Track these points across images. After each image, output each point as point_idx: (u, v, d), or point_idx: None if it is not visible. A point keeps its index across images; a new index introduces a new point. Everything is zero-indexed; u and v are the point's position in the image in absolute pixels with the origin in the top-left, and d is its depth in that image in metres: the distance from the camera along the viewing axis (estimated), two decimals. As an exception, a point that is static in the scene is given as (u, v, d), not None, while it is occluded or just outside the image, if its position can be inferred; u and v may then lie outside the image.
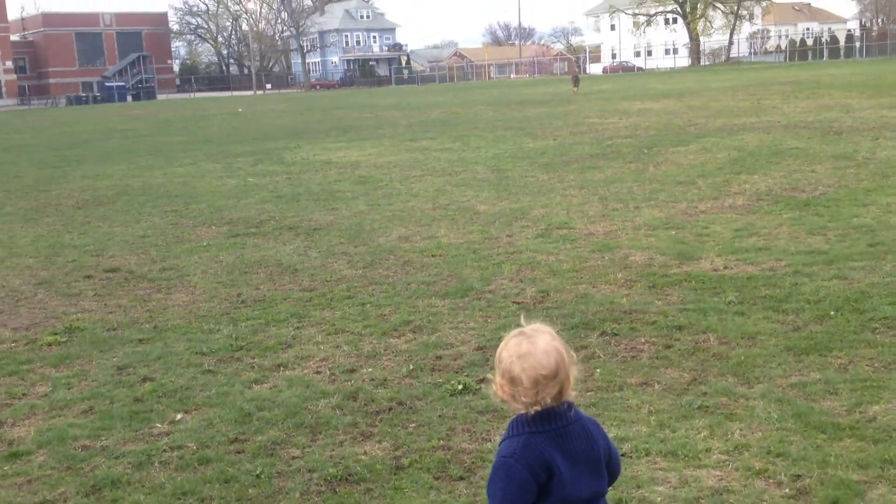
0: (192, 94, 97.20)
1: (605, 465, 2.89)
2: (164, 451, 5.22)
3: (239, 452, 5.15)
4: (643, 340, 6.67)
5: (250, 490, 4.67)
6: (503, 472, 2.75)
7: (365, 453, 5.05)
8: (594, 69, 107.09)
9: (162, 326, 7.82)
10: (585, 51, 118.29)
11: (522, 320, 2.86)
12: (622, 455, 4.64)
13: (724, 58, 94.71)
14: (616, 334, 6.83)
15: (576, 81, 49.79)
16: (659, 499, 4.32)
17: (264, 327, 7.63)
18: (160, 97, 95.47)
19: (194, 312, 8.24)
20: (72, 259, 10.97)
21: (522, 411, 2.79)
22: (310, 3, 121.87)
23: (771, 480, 4.44)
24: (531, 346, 2.77)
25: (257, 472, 4.86)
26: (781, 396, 5.44)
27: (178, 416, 5.74)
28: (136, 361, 6.89)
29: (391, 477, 4.73)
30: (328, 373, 6.42)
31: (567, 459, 2.79)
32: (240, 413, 5.70)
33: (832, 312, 6.96)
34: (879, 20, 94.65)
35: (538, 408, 2.77)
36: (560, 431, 2.80)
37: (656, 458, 4.76)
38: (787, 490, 4.33)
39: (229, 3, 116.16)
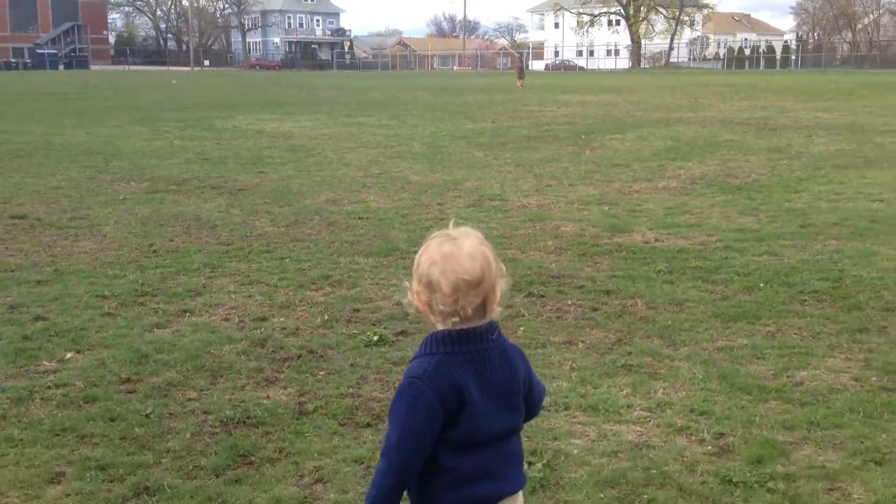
0: (126, 67, 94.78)
1: (525, 399, 2.54)
2: (48, 387, 4.81)
3: (130, 392, 4.76)
4: (570, 303, 6.43)
5: (137, 429, 4.29)
6: (409, 395, 2.40)
7: (267, 398, 4.70)
8: (537, 66, 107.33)
9: (63, 270, 7.34)
10: (529, 47, 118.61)
11: (451, 224, 2.45)
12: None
13: (663, 62, 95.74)
14: (542, 296, 6.58)
15: (520, 74, 45.78)
16: (576, 451, 4.06)
17: (174, 275, 7.20)
18: (93, 68, 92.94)
19: (100, 259, 7.77)
20: (-24, 205, 10.35)
21: (440, 326, 2.45)
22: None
23: (693, 437, 4.22)
24: (454, 248, 2.41)
25: (147, 412, 4.47)
26: (707, 359, 5.24)
27: (69, 356, 5.32)
28: (30, 301, 6.42)
29: (293, 421, 4.39)
30: (237, 320, 6.04)
31: (482, 388, 2.45)
32: (136, 354, 5.30)
33: (761, 284, 6.81)
34: (816, 34, 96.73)
35: (456, 319, 2.41)
36: (478, 355, 2.46)
37: (575, 413, 4.50)
38: (709, 447, 4.11)
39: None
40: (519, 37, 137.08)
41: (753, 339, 5.58)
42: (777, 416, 4.43)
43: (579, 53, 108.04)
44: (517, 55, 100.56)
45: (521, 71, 46.70)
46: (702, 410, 4.49)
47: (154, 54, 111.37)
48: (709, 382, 4.87)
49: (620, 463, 3.94)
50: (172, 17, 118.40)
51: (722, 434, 4.23)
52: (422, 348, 2.48)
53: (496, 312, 2.45)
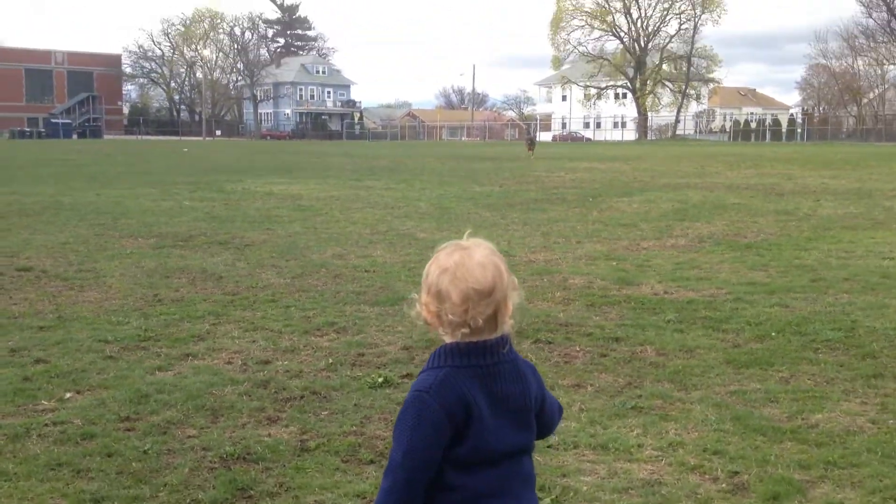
0: (139, 136, 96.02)
1: (537, 417, 2.42)
2: (45, 425, 4.71)
3: (129, 430, 4.66)
4: (578, 349, 6.32)
5: (134, 464, 4.18)
6: (414, 409, 2.28)
7: (269, 435, 4.59)
8: (544, 137, 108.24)
9: (67, 317, 7.28)
10: (536, 119, 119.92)
11: (465, 236, 2.37)
12: (548, 447, 4.28)
13: (670, 134, 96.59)
14: (550, 342, 6.48)
15: (531, 144, 43.38)
16: (585, 488, 3.93)
17: (177, 322, 7.13)
18: (107, 137, 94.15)
19: (104, 307, 7.71)
20: (-17, 258, 10.34)
21: (448, 338, 2.34)
22: (266, 55, 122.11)
23: (706, 476, 4.09)
24: (465, 258, 2.32)
25: (145, 448, 4.37)
26: (720, 402, 5.12)
27: (68, 395, 5.23)
28: (31, 345, 6.34)
29: (294, 458, 4.28)
30: (240, 363, 5.95)
31: (491, 404, 2.33)
32: (136, 394, 5.20)
33: (773, 333, 6.70)
34: (821, 108, 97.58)
35: (466, 330, 2.30)
36: (488, 369, 2.34)
37: (584, 451, 4.38)
38: (723, 485, 3.98)
39: (185, 50, 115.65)
40: (527, 109, 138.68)
41: (766, 384, 5.45)
42: (792, 455, 4.29)
43: (586, 125, 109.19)
44: (524, 126, 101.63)
45: (532, 141, 45.04)
46: (715, 450, 4.36)
47: (167, 124, 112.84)
48: (722, 424, 4.74)
49: (632, 499, 3.81)
50: (186, 88, 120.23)
51: (736, 472, 4.10)
52: (429, 361, 2.37)
53: (508, 325, 2.34)
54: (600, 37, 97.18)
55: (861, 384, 5.46)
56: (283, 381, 5.52)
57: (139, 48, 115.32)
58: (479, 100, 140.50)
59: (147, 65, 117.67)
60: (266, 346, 6.38)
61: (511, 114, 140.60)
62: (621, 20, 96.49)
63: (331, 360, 5.98)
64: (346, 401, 5.15)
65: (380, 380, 5.48)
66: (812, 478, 4.05)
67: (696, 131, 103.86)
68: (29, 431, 4.60)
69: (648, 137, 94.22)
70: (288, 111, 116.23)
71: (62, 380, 5.52)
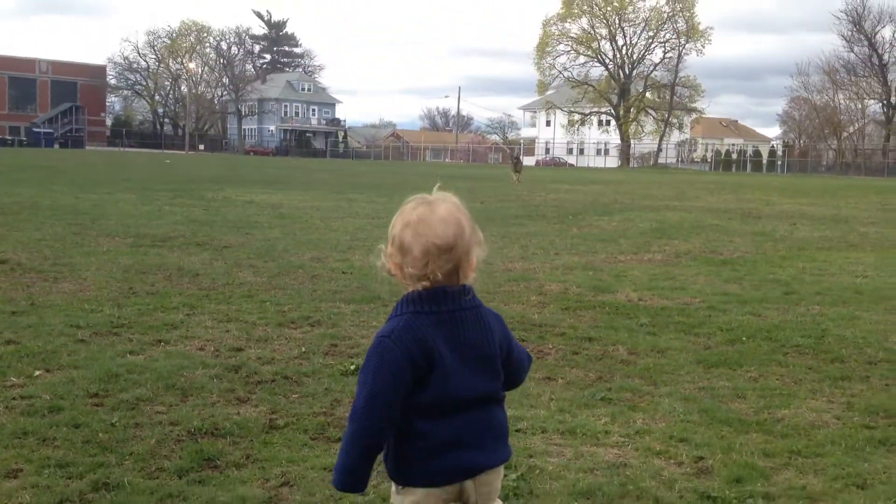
0: (121, 148, 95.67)
1: (504, 365, 2.45)
2: (14, 399, 4.69)
3: (97, 406, 4.64)
4: (551, 346, 6.36)
5: (101, 435, 4.16)
6: (377, 355, 2.32)
7: (238, 414, 4.59)
8: (527, 162, 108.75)
9: (40, 304, 7.25)
10: (520, 143, 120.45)
11: (434, 189, 2.43)
12: (517, 431, 4.30)
13: (652, 162, 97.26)
14: (523, 340, 6.49)
15: (517, 167, 37.54)
16: (551, 467, 3.96)
17: (151, 311, 7.11)
18: (88, 148, 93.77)
19: (78, 297, 7.68)
20: (-42, 250, 10.27)
21: (410, 288, 2.39)
22: (252, 70, 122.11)
23: (671, 460, 4.12)
24: (428, 212, 2.38)
25: (113, 422, 4.36)
26: (688, 396, 5.16)
27: (37, 373, 5.20)
28: (3, 328, 6.32)
29: (262, 434, 4.28)
30: (212, 350, 5.95)
31: (454, 349, 2.35)
32: (106, 374, 5.19)
33: (744, 338, 6.76)
34: (802, 141, 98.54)
35: (426, 283, 2.35)
36: (450, 316, 2.36)
37: (552, 436, 4.40)
38: (687, 469, 4.01)
39: (170, 63, 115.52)
40: (511, 133, 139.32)
41: (735, 382, 5.51)
42: (757, 445, 4.34)
43: (570, 151, 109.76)
44: (508, 150, 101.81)
45: (518, 164, 38.55)
46: (681, 438, 4.40)
47: (150, 137, 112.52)
48: (689, 415, 4.79)
49: (596, 478, 3.84)
50: (170, 101, 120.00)
51: (701, 458, 4.13)
52: (394, 310, 2.42)
53: (470, 278, 2.39)
54: (585, 63, 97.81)
55: (828, 385, 5.52)
56: (255, 367, 5.52)
57: (124, 60, 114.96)
58: (463, 123, 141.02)
59: (132, 77, 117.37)
60: (239, 336, 6.38)
61: (495, 137, 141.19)
62: (606, 47, 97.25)
63: (303, 349, 5.99)
64: (317, 385, 5.15)
65: (352, 367, 5.49)
66: (776, 465, 4.09)
67: (678, 160, 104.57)
68: (-4, 404, 4.58)
69: (631, 165, 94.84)
70: (272, 128, 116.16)
71: (32, 359, 5.50)
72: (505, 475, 3.72)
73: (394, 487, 2.46)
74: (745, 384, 5.46)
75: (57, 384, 4.97)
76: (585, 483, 3.75)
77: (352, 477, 2.35)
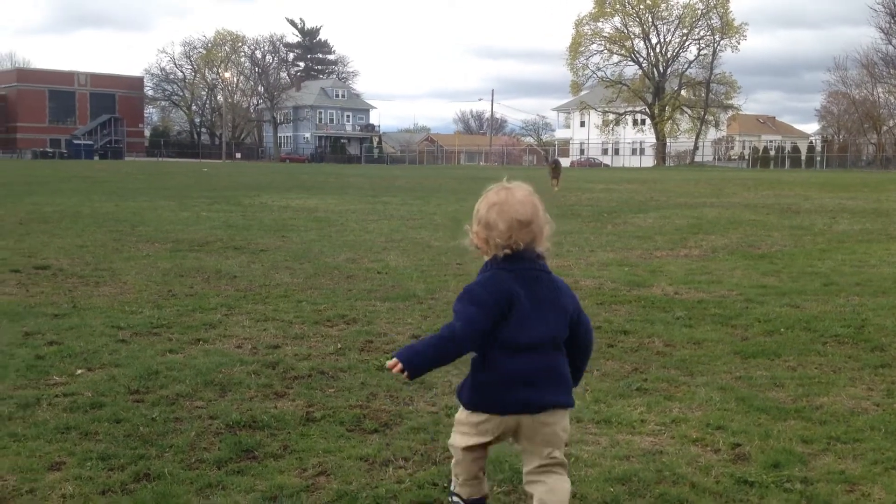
0: (160, 158, 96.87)
1: (574, 326, 3.06)
2: (56, 396, 4.78)
3: (138, 401, 4.72)
4: (586, 340, 6.34)
5: (141, 429, 4.24)
6: (467, 295, 2.97)
7: (275, 407, 4.64)
8: (563, 162, 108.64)
9: (81, 307, 7.38)
10: (555, 145, 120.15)
11: (504, 180, 3.02)
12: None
13: (688, 160, 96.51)
14: (558, 334, 6.50)
15: (555, 173, 30.05)
16: (587, 455, 3.96)
17: (190, 312, 7.21)
18: (127, 158, 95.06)
19: (119, 300, 7.80)
20: (1, 258, 10.47)
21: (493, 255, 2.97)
22: (287, 78, 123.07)
23: (708, 447, 4.10)
24: (509, 195, 2.99)
25: (153, 416, 4.43)
26: (725, 385, 5.13)
27: (79, 372, 5.30)
28: (45, 330, 6.43)
29: (299, 426, 4.32)
30: (250, 347, 6.02)
31: (530, 299, 2.94)
32: (146, 371, 5.27)
33: (782, 329, 6.70)
34: (841, 136, 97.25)
35: (509, 251, 2.93)
36: (527, 273, 2.96)
37: (588, 425, 4.40)
38: (724, 455, 3.99)
39: (206, 73, 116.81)
40: (545, 135, 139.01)
41: (773, 371, 5.46)
42: (796, 431, 4.30)
43: (605, 151, 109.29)
44: (543, 152, 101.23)
45: (556, 169, 30.75)
46: (718, 426, 4.38)
47: (187, 147, 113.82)
48: (726, 404, 4.76)
49: (632, 465, 3.83)
50: (207, 111, 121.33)
51: (738, 445, 4.11)
52: (481, 270, 3.01)
53: (544, 247, 3.02)
54: (619, 62, 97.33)
55: (868, 373, 5.46)
56: (292, 363, 5.58)
57: (161, 70, 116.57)
58: (497, 125, 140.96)
59: (168, 87, 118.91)
60: (276, 334, 6.45)
61: (529, 140, 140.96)
62: (640, 45, 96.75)
63: (339, 346, 6.04)
64: (353, 380, 5.19)
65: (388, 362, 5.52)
66: (814, 450, 4.05)
67: (714, 158, 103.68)
68: (39, 401, 4.68)
69: (667, 164, 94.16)
70: (307, 135, 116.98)
71: (74, 359, 5.60)
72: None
73: (462, 409, 3.09)
74: (784, 373, 5.42)
75: (98, 382, 5.05)
76: (621, 469, 3.75)
77: (418, 360, 2.99)
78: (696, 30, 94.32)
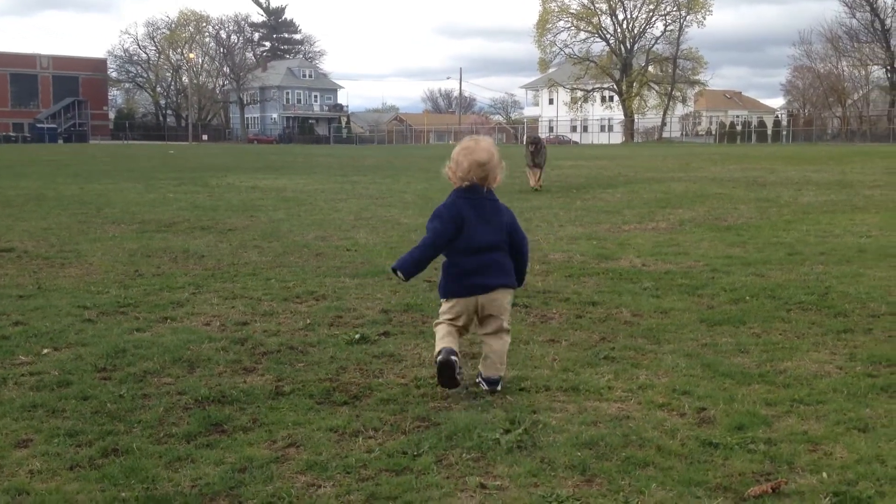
0: (125, 141, 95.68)
1: (511, 234, 4.49)
2: (23, 375, 4.75)
3: (105, 379, 4.70)
4: (554, 311, 6.40)
5: (109, 405, 4.22)
6: (435, 215, 4.45)
7: (245, 382, 4.63)
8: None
9: (47, 288, 7.31)
10: (524, 123, 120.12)
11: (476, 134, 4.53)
12: (520, 389, 4.38)
13: (656, 136, 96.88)
14: (527, 306, 6.55)
15: (535, 157, 19.48)
16: (555, 422, 3.99)
17: (157, 291, 7.17)
18: (92, 141, 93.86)
19: (85, 280, 7.74)
20: (-35, 241, 10.33)
21: (458, 185, 4.38)
22: (252, 59, 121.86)
23: (674, 412, 4.15)
24: (475, 144, 4.43)
25: (121, 393, 4.41)
26: (691, 352, 5.19)
27: (46, 351, 5.26)
28: (11, 310, 6.37)
29: (269, 401, 4.32)
30: (218, 325, 6.00)
31: (477, 217, 4.37)
32: (113, 349, 5.24)
33: (748, 298, 6.78)
34: (806, 110, 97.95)
35: (467, 183, 4.36)
36: (476, 201, 4.38)
37: (556, 393, 4.44)
38: (690, 419, 4.04)
39: (170, 54, 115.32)
40: (514, 113, 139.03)
41: (738, 338, 5.53)
42: (760, 395, 4.37)
43: (573, 128, 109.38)
44: (512, 130, 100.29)
45: (537, 152, 19.62)
46: (684, 391, 4.43)
47: (153, 129, 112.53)
48: (692, 370, 4.82)
49: (599, 430, 3.87)
50: (172, 93, 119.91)
51: (703, 409, 4.16)
52: (448, 197, 4.43)
53: (494, 186, 4.43)
54: (586, 39, 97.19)
55: (831, 338, 5.55)
56: (261, 339, 5.57)
57: (124, 52, 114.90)
58: (466, 104, 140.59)
59: (133, 69, 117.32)
60: (245, 311, 6.43)
61: (498, 118, 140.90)
62: (607, 22, 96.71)
63: (309, 322, 6.04)
64: (323, 354, 5.20)
65: (356, 336, 5.54)
66: (778, 412, 4.12)
67: (682, 134, 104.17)
68: (6, 380, 4.64)
69: (635, 140, 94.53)
70: (275, 115, 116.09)
71: (40, 339, 5.56)
72: (509, 430, 3.81)
73: (441, 300, 4.52)
74: (748, 340, 5.49)
75: (65, 361, 5.02)
76: (588, 435, 3.79)
77: (410, 265, 4.37)
78: (663, 5, 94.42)
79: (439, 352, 4.27)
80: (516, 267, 4.46)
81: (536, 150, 19.69)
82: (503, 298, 4.41)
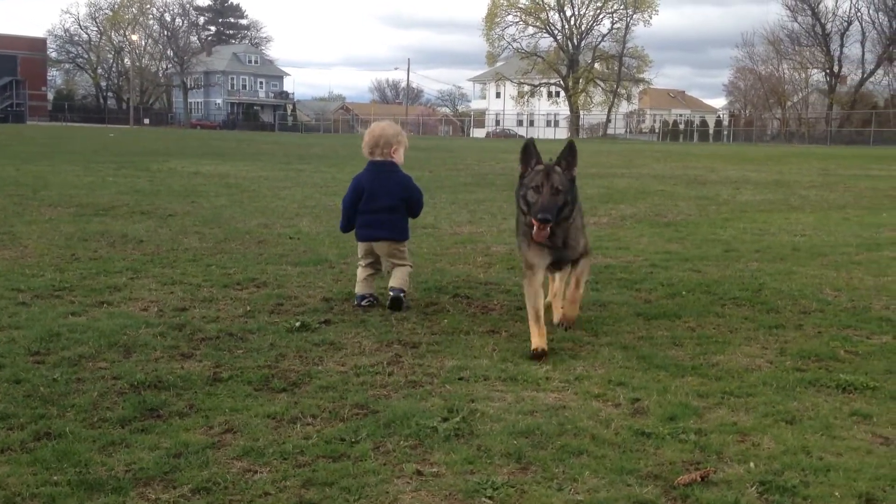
0: (64, 123, 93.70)
1: (406, 197, 6.22)
2: (-48, 358, 4.64)
3: (38, 363, 4.62)
4: (496, 303, 6.45)
5: (42, 389, 4.15)
6: (350, 185, 6.31)
7: (182, 368, 4.60)
8: (478, 133, 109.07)
9: (-21, 270, 7.15)
10: (470, 115, 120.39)
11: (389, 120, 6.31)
12: (459, 378, 4.41)
13: (601, 133, 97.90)
14: (468, 297, 6.59)
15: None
16: (492, 411, 4.04)
17: (94, 275, 7.06)
18: (30, 122, 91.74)
19: (19, 263, 7.59)
20: None
21: (368, 159, 6.20)
22: (197, 43, 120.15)
23: (609, 402, 4.22)
24: (375, 126, 6.28)
25: (54, 377, 4.34)
26: (627, 345, 5.28)
27: (-24, 334, 5.15)
28: (-60, 292, 6.22)
29: (206, 386, 4.29)
30: (156, 310, 5.93)
31: (376, 185, 6.15)
32: (47, 333, 5.15)
33: (684, 292, 6.91)
34: (747, 110, 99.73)
35: (369, 155, 6.22)
36: (376, 174, 6.19)
37: (494, 383, 4.49)
38: (624, 409, 4.12)
39: (112, 35, 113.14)
40: (461, 105, 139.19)
41: (673, 332, 5.64)
42: (692, 387, 4.46)
43: (520, 122, 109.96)
44: (458, 123, 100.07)
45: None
46: (619, 382, 4.51)
47: (93, 111, 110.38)
48: (627, 362, 4.90)
49: (536, 419, 3.93)
50: (114, 75, 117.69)
51: (637, 399, 4.25)
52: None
53: (395, 159, 6.26)
54: (534, 34, 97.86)
55: (763, 333, 5.68)
56: (199, 325, 5.52)
57: (65, 32, 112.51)
58: (413, 95, 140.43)
59: (73, 50, 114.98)
60: (184, 297, 6.37)
61: (445, 110, 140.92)
62: (555, 18, 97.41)
63: (249, 308, 6.00)
64: (262, 341, 5.18)
65: (297, 324, 5.52)
66: (709, 404, 4.21)
67: (626, 131, 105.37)
68: (-66, 363, 4.54)
69: (580, 136, 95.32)
70: (219, 101, 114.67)
71: (-29, 322, 5.44)
72: (447, 419, 3.84)
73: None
74: (683, 333, 5.60)
75: (-3, 344, 4.92)
76: (525, 424, 3.84)
77: (343, 224, 6.43)
78: (610, 3, 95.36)
79: (357, 298, 6.19)
80: (411, 213, 6.28)
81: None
82: (393, 247, 6.12)
